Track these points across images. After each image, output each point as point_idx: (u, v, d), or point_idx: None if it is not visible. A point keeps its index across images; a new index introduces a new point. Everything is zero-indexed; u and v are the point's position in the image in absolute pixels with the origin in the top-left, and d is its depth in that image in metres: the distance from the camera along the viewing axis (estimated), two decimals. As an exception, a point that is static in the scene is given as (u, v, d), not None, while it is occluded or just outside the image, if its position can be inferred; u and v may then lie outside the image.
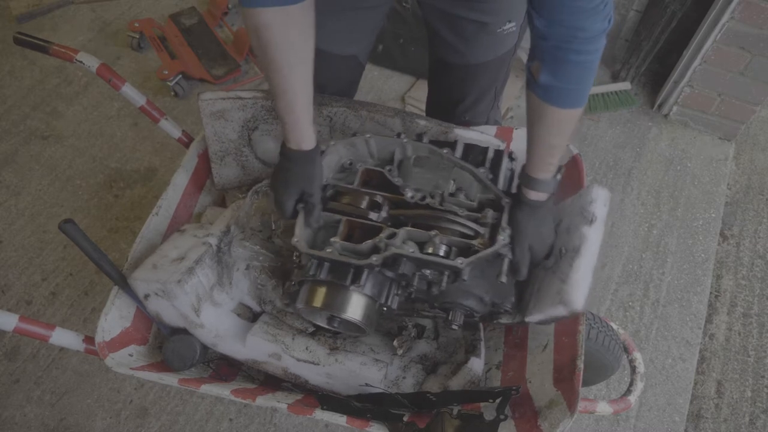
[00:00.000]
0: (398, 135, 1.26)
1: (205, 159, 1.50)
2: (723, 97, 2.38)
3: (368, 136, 1.25)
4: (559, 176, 1.12)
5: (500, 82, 1.55)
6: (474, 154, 1.25)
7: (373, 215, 1.19)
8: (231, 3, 2.96)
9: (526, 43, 2.62)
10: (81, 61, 1.35)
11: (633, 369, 1.28)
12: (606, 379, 1.54)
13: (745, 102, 2.34)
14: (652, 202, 2.33)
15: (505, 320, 1.22)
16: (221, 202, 1.58)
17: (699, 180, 2.40)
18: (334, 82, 1.45)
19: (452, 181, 1.21)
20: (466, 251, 1.13)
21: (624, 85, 2.58)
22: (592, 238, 1.09)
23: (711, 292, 2.13)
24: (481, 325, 1.35)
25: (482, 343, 1.32)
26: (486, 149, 1.26)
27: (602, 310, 2.04)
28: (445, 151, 1.21)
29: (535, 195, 1.12)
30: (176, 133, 1.52)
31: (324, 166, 1.21)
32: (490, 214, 1.16)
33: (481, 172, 1.20)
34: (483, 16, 1.28)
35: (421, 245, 1.13)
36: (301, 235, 1.15)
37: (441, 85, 1.57)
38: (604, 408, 1.13)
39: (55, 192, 2.29)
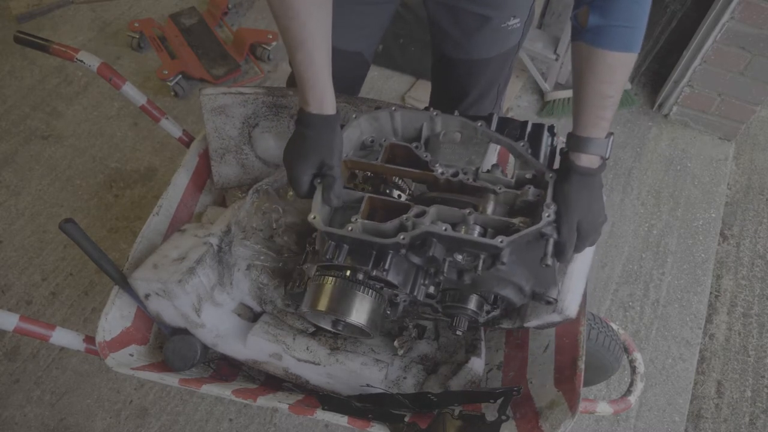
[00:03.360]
0: (427, 108, 1.16)
1: (205, 159, 1.50)
2: (723, 97, 2.38)
3: (393, 108, 1.14)
4: (612, 139, 1.00)
5: (503, 80, 1.54)
6: (510, 128, 1.15)
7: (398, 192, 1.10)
8: (231, 3, 2.96)
9: (528, 43, 2.61)
10: (81, 60, 1.34)
11: (633, 369, 1.28)
12: (606, 379, 1.55)
13: (745, 102, 2.35)
14: (652, 202, 2.33)
15: (505, 325, 1.20)
16: (222, 202, 1.58)
17: (699, 180, 2.40)
18: (338, 78, 1.44)
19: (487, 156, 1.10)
20: (504, 232, 1.00)
21: (624, 85, 2.58)
22: None
23: (711, 292, 2.13)
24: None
25: (483, 343, 1.32)
26: (525, 123, 1.15)
27: (602, 310, 2.04)
28: (479, 124, 1.11)
29: (586, 159, 1.00)
30: (177, 132, 1.52)
31: (344, 140, 1.10)
32: (531, 190, 1.03)
33: (520, 145, 1.09)
34: (487, 9, 1.28)
35: (453, 226, 1.00)
36: (319, 212, 1.03)
37: (444, 81, 1.57)
38: (604, 408, 1.13)
39: (55, 192, 2.29)
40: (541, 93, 2.61)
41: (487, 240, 0.97)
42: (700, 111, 2.48)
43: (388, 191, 1.11)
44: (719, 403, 1.91)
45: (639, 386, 1.23)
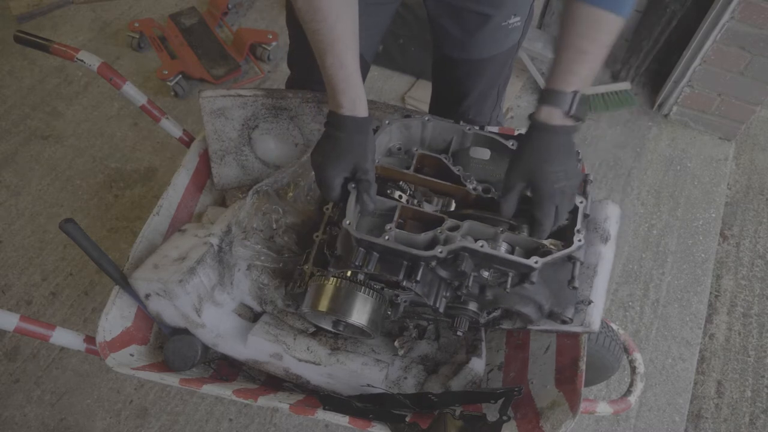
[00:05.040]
0: (458, 121, 1.18)
1: (205, 159, 1.50)
2: (723, 97, 2.38)
3: (426, 118, 1.15)
4: (578, 96, 0.96)
5: (503, 80, 1.54)
6: None
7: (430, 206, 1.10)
8: (231, 3, 2.96)
9: (528, 43, 2.61)
10: (82, 60, 1.34)
11: (633, 369, 1.28)
12: (606, 379, 1.55)
13: (745, 102, 2.35)
14: (652, 202, 2.33)
15: (506, 325, 1.20)
16: (222, 202, 1.58)
17: (699, 180, 2.40)
18: None
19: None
20: (533, 252, 1.03)
21: (624, 85, 2.58)
22: (607, 256, 1.09)
23: (711, 292, 2.13)
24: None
25: (483, 343, 1.32)
26: None
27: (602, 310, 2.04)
28: (510, 143, 1.12)
29: (545, 112, 0.96)
30: (177, 132, 1.52)
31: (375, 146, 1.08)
32: None
33: None
34: (488, 8, 1.28)
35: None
36: (353, 218, 1.02)
37: (445, 81, 1.56)
38: (604, 408, 1.13)
39: (55, 192, 2.29)
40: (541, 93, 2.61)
41: (522, 260, 0.98)
42: (700, 111, 2.48)
43: (389, 192, 1.10)
44: (719, 403, 1.92)
45: (639, 386, 1.23)
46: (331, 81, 1.00)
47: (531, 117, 1.00)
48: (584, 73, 0.95)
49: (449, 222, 1.03)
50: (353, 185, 1.04)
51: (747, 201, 2.40)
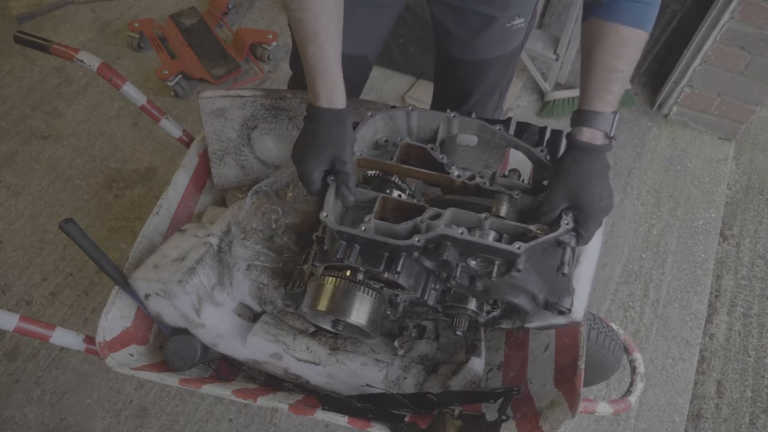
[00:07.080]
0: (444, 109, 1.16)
1: (205, 159, 1.50)
2: (723, 97, 2.38)
3: (410, 108, 1.13)
4: (617, 117, 0.97)
5: (506, 81, 1.54)
6: (529, 134, 1.12)
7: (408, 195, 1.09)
8: (231, 3, 2.96)
9: (528, 43, 2.61)
10: (81, 60, 1.35)
11: (633, 369, 1.28)
12: (606, 379, 1.55)
13: (745, 102, 2.35)
14: (652, 202, 2.33)
15: (505, 325, 1.20)
16: (222, 202, 1.58)
17: (699, 180, 2.40)
18: None
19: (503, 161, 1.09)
20: (520, 238, 0.98)
21: (624, 85, 2.58)
22: (592, 246, 1.08)
23: (711, 292, 2.13)
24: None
25: (483, 343, 1.32)
26: (543, 129, 1.13)
27: (602, 310, 2.04)
28: (498, 128, 1.11)
29: (588, 134, 0.96)
30: (177, 132, 1.52)
31: (358, 138, 1.09)
32: None
33: (539, 151, 1.08)
34: (492, 9, 1.27)
35: (468, 230, 0.98)
36: (331, 210, 1.01)
37: (447, 82, 1.56)
38: (604, 408, 1.13)
39: (55, 192, 2.29)
40: (541, 93, 2.62)
41: (503, 245, 0.95)
42: (700, 111, 2.48)
43: (388, 191, 1.10)
44: (719, 403, 1.91)
45: (639, 386, 1.23)
46: (310, 72, 1.00)
47: (571, 137, 0.99)
48: (618, 91, 0.97)
49: (431, 211, 1.01)
50: (332, 178, 1.04)
51: (747, 201, 2.40)
